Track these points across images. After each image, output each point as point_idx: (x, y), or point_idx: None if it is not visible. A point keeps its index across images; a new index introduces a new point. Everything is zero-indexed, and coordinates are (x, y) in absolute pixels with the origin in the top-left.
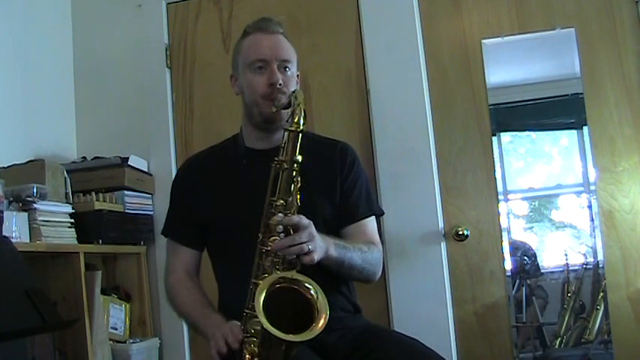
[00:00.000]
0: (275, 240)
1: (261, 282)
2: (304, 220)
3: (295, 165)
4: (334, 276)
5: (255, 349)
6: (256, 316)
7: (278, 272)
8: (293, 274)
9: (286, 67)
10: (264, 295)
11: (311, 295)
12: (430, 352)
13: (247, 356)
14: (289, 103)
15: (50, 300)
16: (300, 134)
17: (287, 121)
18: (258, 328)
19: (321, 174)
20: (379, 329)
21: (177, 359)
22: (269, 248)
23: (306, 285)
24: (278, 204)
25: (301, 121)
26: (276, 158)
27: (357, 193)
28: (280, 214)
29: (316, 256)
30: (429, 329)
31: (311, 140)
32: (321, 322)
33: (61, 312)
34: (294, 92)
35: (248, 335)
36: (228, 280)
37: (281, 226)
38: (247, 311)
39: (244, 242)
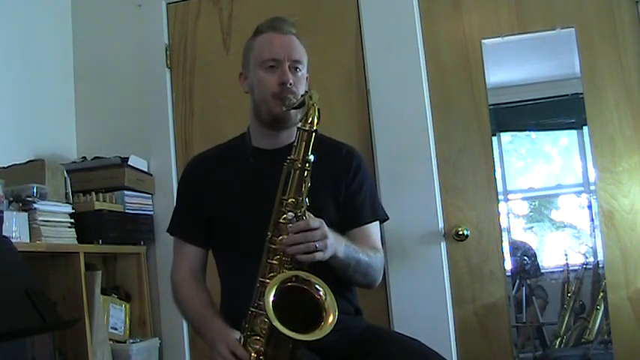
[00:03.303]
0: (284, 239)
1: (268, 281)
2: (313, 222)
3: (307, 165)
4: (338, 279)
5: (261, 348)
6: (262, 315)
7: (286, 271)
8: (303, 274)
9: (297, 67)
10: (273, 293)
11: (319, 295)
12: (431, 352)
13: (253, 355)
14: (303, 102)
15: (50, 300)
16: (314, 134)
17: (300, 120)
18: (264, 327)
19: (326, 176)
20: (379, 329)
21: (177, 359)
22: (277, 246)
23: (316, 286)
24: (289, 202)
25: (315, 121)
26: (288, 157)
27: (362, 197)
28: (291, 213)
29: (326, 254)
30: (429, 329)
31: (318, 141)
32: (330, 320)
33: (61, 312)
34: (307, 92)
35: (252, 334)
36: (232, 278)
37: (291, 225)
38: (253, 309)
39: (250, 239)
